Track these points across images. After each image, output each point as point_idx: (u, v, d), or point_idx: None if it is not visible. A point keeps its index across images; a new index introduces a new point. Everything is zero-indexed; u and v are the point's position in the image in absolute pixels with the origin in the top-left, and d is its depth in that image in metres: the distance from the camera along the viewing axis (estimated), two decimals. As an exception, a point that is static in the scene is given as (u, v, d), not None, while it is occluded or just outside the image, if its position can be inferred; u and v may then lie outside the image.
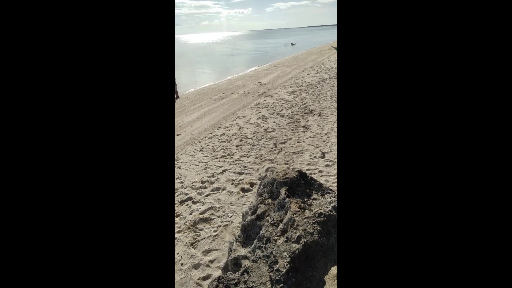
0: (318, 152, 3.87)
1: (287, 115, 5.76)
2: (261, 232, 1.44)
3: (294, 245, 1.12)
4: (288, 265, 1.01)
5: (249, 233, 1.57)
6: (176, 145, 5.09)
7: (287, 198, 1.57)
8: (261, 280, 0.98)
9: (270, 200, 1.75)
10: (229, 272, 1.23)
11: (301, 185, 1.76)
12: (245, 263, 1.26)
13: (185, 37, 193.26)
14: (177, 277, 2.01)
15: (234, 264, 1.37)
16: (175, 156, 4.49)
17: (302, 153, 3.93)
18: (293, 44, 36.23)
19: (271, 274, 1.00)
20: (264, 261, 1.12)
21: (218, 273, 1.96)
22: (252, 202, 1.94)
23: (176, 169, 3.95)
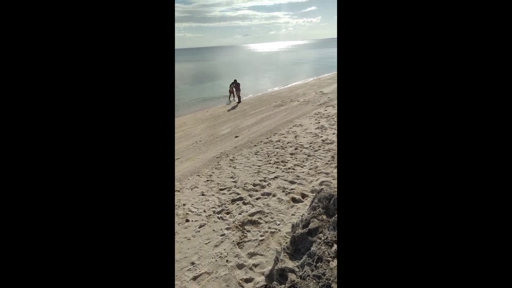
0: (383, 173, 3.43)
1: (349, 128, 5.34)
2: (312, 248, 1.35)
3: (350, 272, 1.00)
4: (343, 294, 0.90)
5: (298, 246, 1.50)
6: (234, 146, 5.40)
7: (345, 218, 1.43)
8: (311, 302, 0.91)
9: (324, 217, 1.63)
10: (275, 283, 1.20)
11: (362, 207, 1.58)
12: (292, 277, 1.20)
13: (252, 46, 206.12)
14: (221, 272, 2.09)
15: (280, 275, 1.32)
16: (232, 156, 4.76)
17: (363, 171, 3.55)
18: None
19: (322, 298, 0.91)
20: (314, 281, 1.04)
21: (261, 278, 1.94)
22: (303, 214, 1.86)
23: (231, 168, 4.17)
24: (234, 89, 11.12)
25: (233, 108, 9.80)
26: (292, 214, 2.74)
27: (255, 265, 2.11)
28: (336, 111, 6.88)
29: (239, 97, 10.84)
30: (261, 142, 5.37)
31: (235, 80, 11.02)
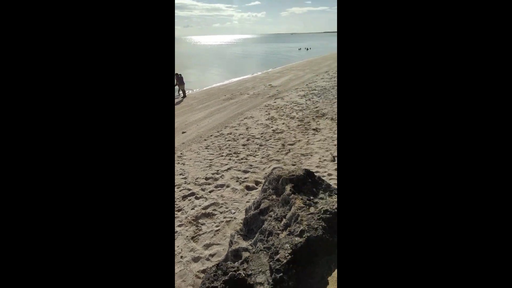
0: (328, 156, 3.81)
1: (297, 118, 5.72)
2: (264, 226, 1.41)
3: (296, 238, 1.09)
4: (289, 256, 0.98)
5: (251, 227, 1.54)
6: (181, 142, 5.13)
7: (292, 195, 1.54)
8: (260, 269, 0.95)
9: (274, 196, 1.72)
10: (228, 262, 1.21)
11: (308, 184, 1.72)
12: (246, 254, 1.23)
13: (195, 38, 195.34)
14: (176, 269, 2.00)
15: (234, 255, 1.34)
16: (180, 152, 4.52)
17: (312, 156, 3.88)
18: (307, 49, 35.64)
19: (271, 263, 0.96)
20: (264, 252, 1.09)
21: (218, 267, 1.93)
22: (256, 198, 1.92)
23: (179, 165, 3.97)
24: (178, 83, 10.40)
25: (178, 103, 9.25)
26: (247, 202, 2.80)
27: (212, 255, 2.08)
28: (285, 103, 7.25)
29: (183, 91, 10.26)
30: (211, 136, 5.26)
31: (176, 74, 10.29)
